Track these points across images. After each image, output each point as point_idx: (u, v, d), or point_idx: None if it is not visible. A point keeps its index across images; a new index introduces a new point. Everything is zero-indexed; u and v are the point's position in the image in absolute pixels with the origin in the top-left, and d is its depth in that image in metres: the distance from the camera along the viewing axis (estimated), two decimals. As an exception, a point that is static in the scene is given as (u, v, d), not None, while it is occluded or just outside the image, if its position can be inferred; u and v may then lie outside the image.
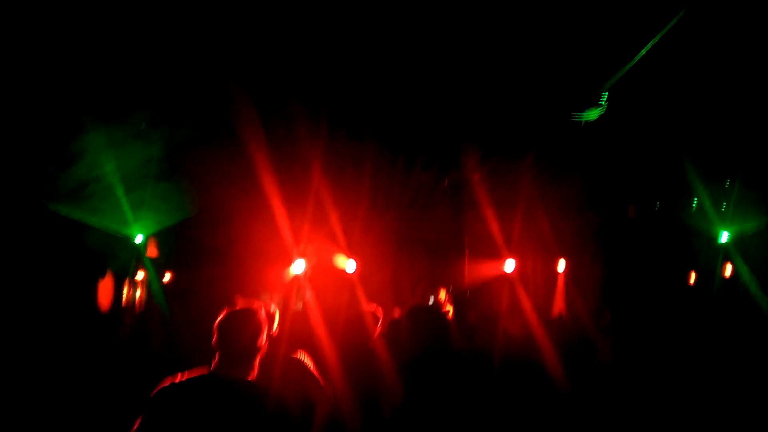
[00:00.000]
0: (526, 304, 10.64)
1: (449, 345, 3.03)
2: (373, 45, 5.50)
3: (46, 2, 4.53)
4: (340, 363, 4.13)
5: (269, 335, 2.93)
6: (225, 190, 10.94)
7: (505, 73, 5.49)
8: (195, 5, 4.96)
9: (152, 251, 9.44)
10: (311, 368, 3.81)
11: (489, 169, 8.83)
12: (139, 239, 10.47)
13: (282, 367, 3.73)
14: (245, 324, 2.72)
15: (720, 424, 3.75)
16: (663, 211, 10.01)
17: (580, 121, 4.88)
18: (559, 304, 11.45)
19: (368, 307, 5.35)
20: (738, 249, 9.96)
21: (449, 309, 8.93)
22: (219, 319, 2.73)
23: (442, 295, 10.58)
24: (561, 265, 11.28)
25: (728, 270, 10.16)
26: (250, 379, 2.69)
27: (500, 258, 11.75)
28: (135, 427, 2.52)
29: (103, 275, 9.21)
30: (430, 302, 10.35)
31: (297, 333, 5.05)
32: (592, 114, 4.83)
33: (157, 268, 10.88)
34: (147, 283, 10.76)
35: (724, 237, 10.23)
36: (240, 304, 2.87)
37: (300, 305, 12.00)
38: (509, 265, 11.73)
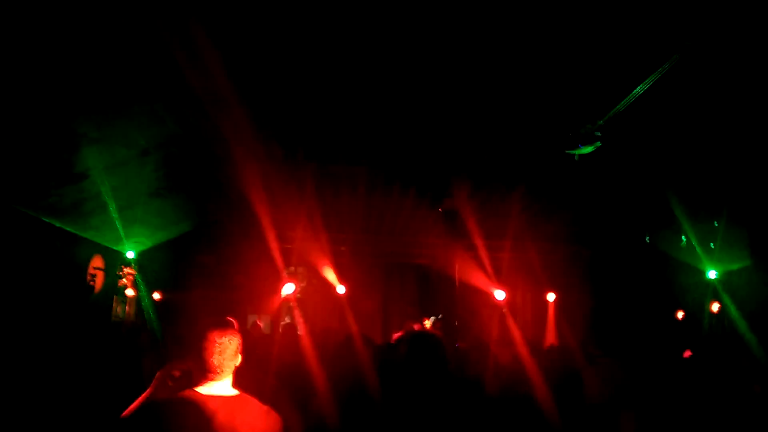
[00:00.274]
0: (516, 333, 10.66)
1: (447, 372, 3.04)
2: (366, 74, 5.63)
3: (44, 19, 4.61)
4: (328, 386, 4.13)
5: (252, 351, 2.95)
6: (219, 210, 10.99)
7: (501, 108, 5.63)
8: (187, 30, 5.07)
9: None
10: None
11: (481, 200, 8.96)
12: (130, 255, 10.49)
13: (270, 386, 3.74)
14: (222, 340, 2.74)
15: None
16: (652, 245, 10.13)
17: (574, 155, 5.00)
18: (548, 335, 11.49)
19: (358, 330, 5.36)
20: (725, 286, 10.07)
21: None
22: (197, 334, 2.76)
23: (428, 323, 10.60)
24: (550, 296, 11.35)
25: (715, 307, 10.26)
26: (227, 394, 2.71)
27: (490, 287, 11.82)
28: None
29: (93, 290, 9.17)
30: (423, 325, 10.39)
31: (286, 354, 5.05)
32: (586, 148, 4.96)
33: (147, 285, 10.86)
34: (137, 300, 10.71)
35: (712, 274, 10.35)
36: (217, 320, 2.89)
37: (289, 323, 11.92)
38: (499, 294, 11.79)
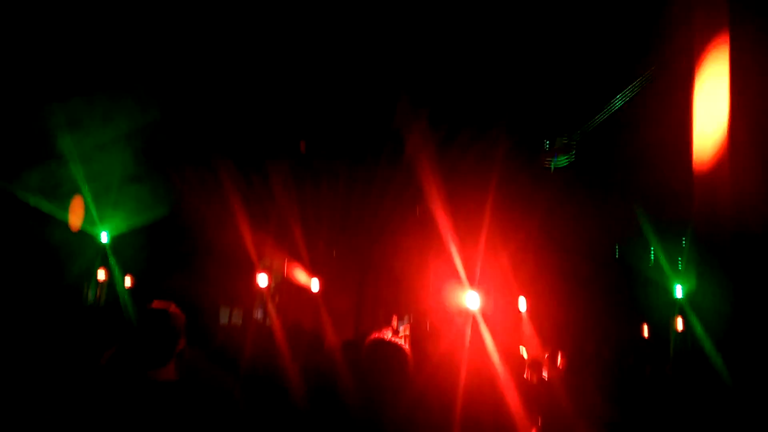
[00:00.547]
0: (489, 341, 10.76)
1: (406, 384, 2.88)
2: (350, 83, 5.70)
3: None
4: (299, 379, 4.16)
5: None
6: (196, 199, 10.92)
7: (483, 120, 5.74)
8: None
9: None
10: None
11: (456, 206, 9.08)
12: (104, 238, 10.35)
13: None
14: (164, 324, 2.75)
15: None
16: (621, 259, 10.34)
17: (549, 167, 5.12)
18: (520, 344, 11.61)
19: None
20: (692, 304, 10.30)
21: (405, 337, 9.03)
22: (139, 319, 2.77)
23: (396, 323, 10.69)
24: (522, 305, 11.41)
25: (680, 324, 10.49)
26: (168, 378, 2.70)
27: (464, 292, 11.90)
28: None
29: (66, 272, 9.06)
30: (395, 327, 10.46)
31: (259, 345, 5.07)
32: (561, 160, 5.08)
33: (122, 269, 10.72)
34: (111, 285, 10.59)
35: (679, 291, 10.57)
36: (156, 304, 2.87)
37: (261, 317, 11.93)
38: (472, 301, 11.89)
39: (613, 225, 8.98)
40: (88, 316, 6.87)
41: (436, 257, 10.10)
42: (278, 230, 12.12)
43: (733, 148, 2.72)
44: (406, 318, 12.09)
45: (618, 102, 4.45)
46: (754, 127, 2.70)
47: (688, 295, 10.48)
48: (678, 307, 10.63)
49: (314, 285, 11.98)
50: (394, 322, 11.32)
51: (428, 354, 6.93)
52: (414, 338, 9.41)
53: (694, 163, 3.12)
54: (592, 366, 3.79)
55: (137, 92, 6.65)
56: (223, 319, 12.19)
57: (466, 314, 12.31)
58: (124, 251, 10.84)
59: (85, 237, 9.90)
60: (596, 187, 7.34)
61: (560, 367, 6.62)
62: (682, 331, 10.50)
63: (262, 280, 11.92)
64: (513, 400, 4.57)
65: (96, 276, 10.10)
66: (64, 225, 9.08)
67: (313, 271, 12.04)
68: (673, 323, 10.64)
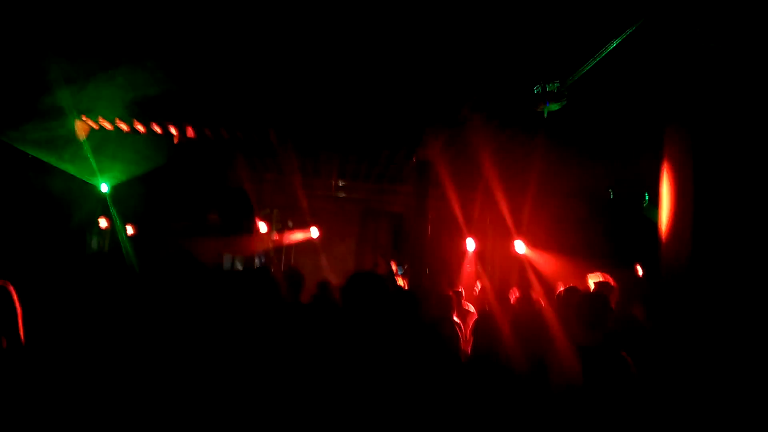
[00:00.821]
0: (485, 283, 11.05)
1: (389, 313, 3.02)
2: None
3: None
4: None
5: None
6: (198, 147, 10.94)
7: (472, 66, 5.70)
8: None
9: None
10: None
11: (453, 152, 9.11)
12: (104, 189, 10.45)
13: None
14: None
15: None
16: (616, 201, 10.41)
17: (542, 112, 5.16)
18: (516, 286, 11.90)
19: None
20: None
21: (401, 281, 9.28)
22: None
23: (395, 267, 10.93)
24: (519, 248, 11.54)
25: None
26: None
27: (462, 237, 12.12)
28: None
29: (68, 221, 9.22)
30: (394, 271, 10.73)
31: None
32: (554, 105, 5.11)
33: (123, 219, 10.87)
34: (113, 234, 10.75)
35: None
36: None
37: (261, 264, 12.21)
38: (470, 244, 12.12)
39: (606, 169, 9.05)
40: (93, 263, 7.06)
41: (435, 203, 10.21)
42: (278, 178, 12.23)
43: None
44: (404, 263, 12.35)
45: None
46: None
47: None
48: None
49: (314, 232, 12.20)
50: (393, 267, 11.61)
51: (428, 293, 7.15)
52: (413, 280, 9.68)
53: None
54: (579, 298, 3.92)
55: (137, 44, 6.58)
56: (227, 265, 12.45)
57: (464, 257, 12.60)
58: (124, 201, 10.95)
59: (86, 187, 10.01)
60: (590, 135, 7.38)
61: (554, 300, 6.74)
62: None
63: (262, 227, 12.13)
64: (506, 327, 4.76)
65: (98, 225, 10.26)
66: (64, 175, 9.17)
67: (313, 219, 12.23)
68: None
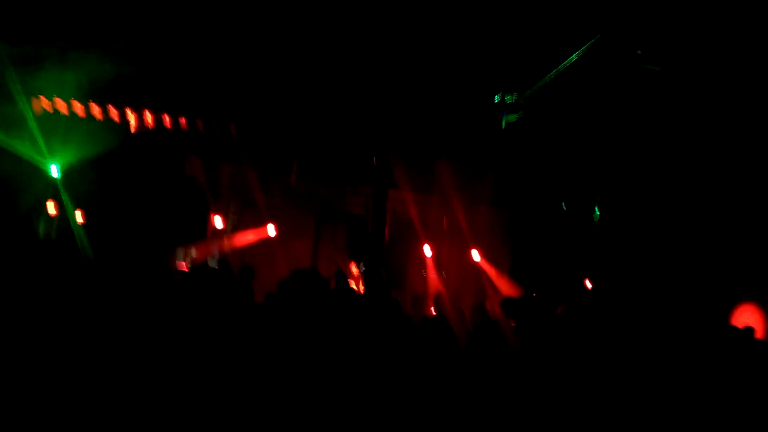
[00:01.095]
0: (441, 288, 11.20)
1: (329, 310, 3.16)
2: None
3: None
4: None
5: None
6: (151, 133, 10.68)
7: (434, 79, 5.81)
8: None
9: None
10: None
11: (411, 161, 9.23)
12: (54, 171, 10.03)
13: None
14: None
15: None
16: (569, 212, 10.68)
17: (500, 123, 5.28)
18: (472, 292, 12.07)
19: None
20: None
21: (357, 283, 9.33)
22: None
23: (354, 269, 10.96)
24: (475, 255, 11.78)
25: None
26: None
27: (419, 242, 12.24)
28: None
29: (15, 205, 8.87)
30: (352, 271, 10.76)
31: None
32: (511, 117, 5.24)
33: (74, 203, 10.47)
34: (63, 219, 10.36)
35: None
36: None
37: (215, 262, 12.02)
38: (427, 250, 12.24)
39: (560, 180, 9.29)
40: (41, 249, 6.83)
41: (393, 206, 10.28)
42: (236, 171, 12.06)
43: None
44: (361, 265, 12.39)
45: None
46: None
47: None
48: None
49: (270, 230, 12.06)
50: (353, 268, 11.67)
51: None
52: (368, 283, 9.73)
53: None
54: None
55: (92, 29, 6.41)
56: (179, 256, 12.17)
57: (421, 262, 12.70)
58: (76, 185, 10.57)
59: (35, 170, 9.65)
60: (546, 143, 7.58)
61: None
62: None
63: (218, 221, 11.93)
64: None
65: (46, 210, 9.88)
66: (12, 157, 8.83)
67: (270, 217, 12.11)
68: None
